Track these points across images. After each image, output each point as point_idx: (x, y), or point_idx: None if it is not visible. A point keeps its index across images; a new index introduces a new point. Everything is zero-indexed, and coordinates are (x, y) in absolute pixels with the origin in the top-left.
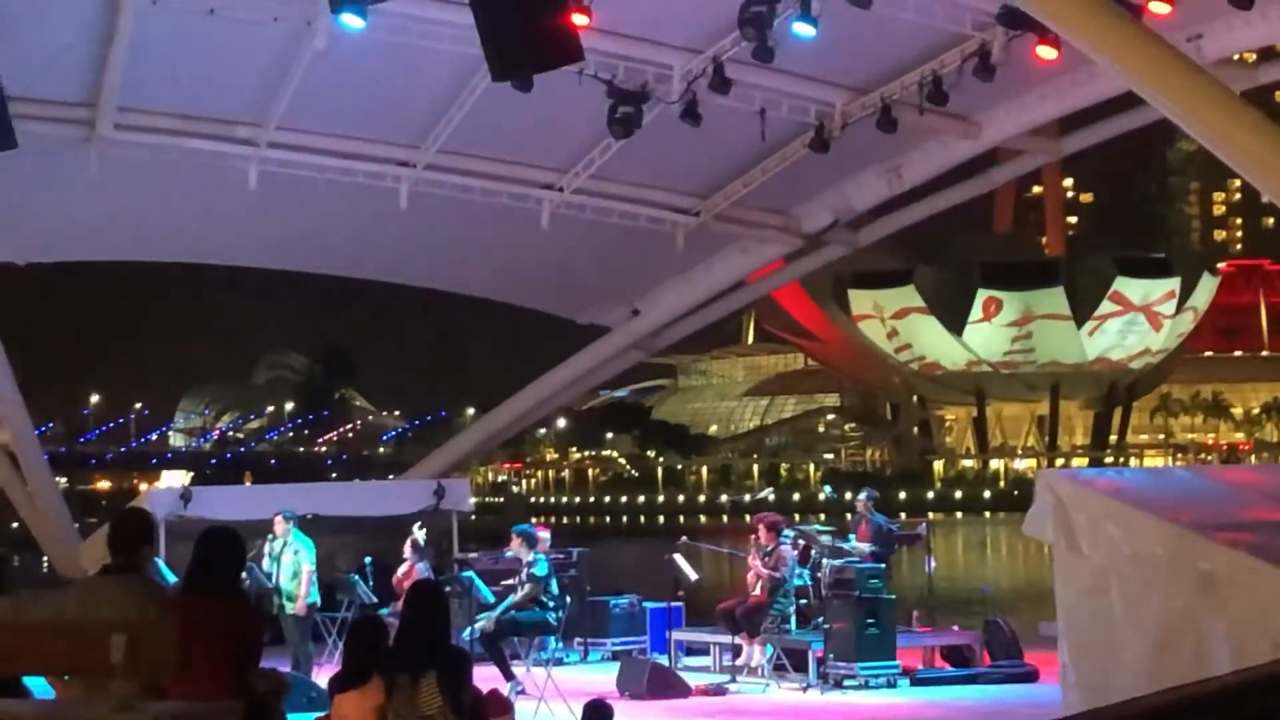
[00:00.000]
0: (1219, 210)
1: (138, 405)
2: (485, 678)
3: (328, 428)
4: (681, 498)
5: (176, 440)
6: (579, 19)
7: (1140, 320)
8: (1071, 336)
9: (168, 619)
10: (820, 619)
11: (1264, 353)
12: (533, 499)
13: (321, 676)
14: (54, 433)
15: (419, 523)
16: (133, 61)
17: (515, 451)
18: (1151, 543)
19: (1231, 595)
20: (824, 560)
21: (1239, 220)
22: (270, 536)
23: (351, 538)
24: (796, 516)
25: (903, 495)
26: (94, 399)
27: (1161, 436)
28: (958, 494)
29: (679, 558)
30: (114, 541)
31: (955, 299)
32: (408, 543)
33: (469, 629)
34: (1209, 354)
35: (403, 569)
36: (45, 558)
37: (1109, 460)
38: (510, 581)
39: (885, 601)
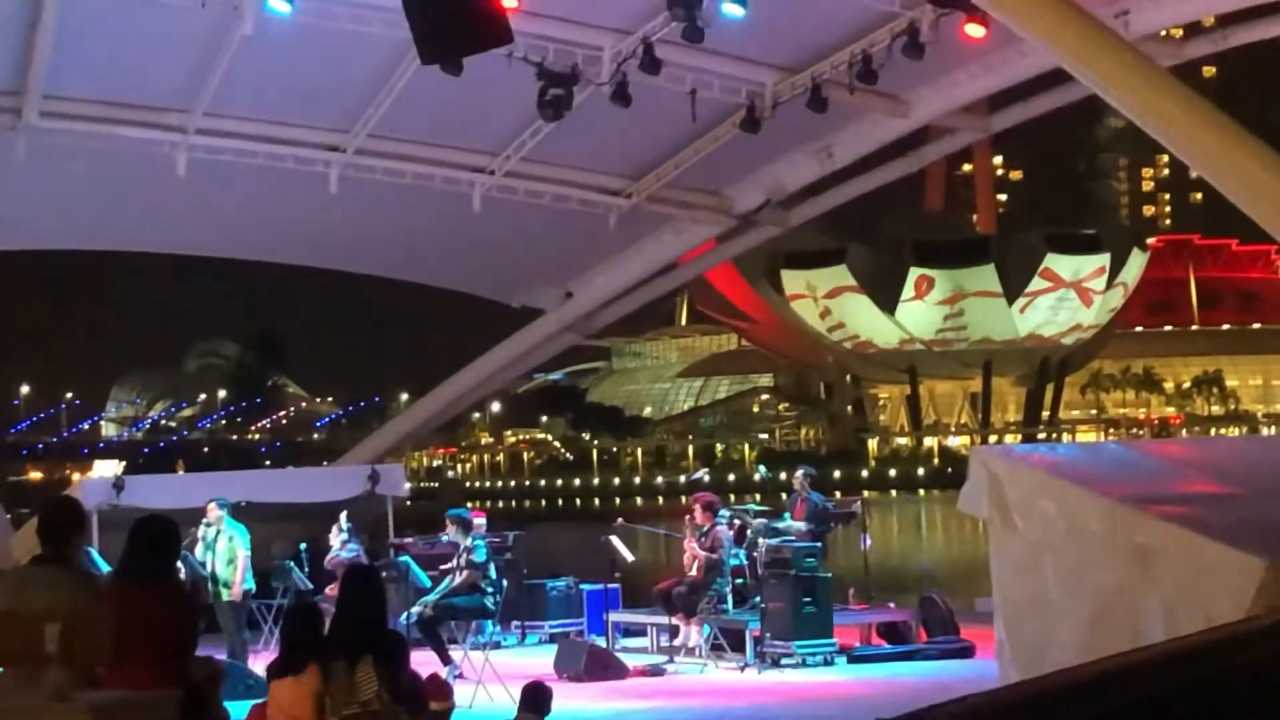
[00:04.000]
0: (1148, 186)
1: (69, 395)
2: (423, 662)
3: (260, 415)
4: (617, 480)
5: (108, 430)
6: (508, 1)
7: (1071, 296)
8: (1003, 314)
9: (102, 608)
10: (757, 598)
11: (1194, 327)
12: (468, 483)
13: (258, 664)
14: None
15: (344, 510)
16: (59, 49)
17: (450, 436)
18: (1086, 517)
19: (1166, 569)
20: (760, 540)
21: (1167, 196)
22: (205, 523)
23: (286, 525)
24: (732, 497)
25: (837, 474)
26: (24, 389)
27: (1094, 412)
28: (892, 472)
29: (615, 540)
30: (44, 531)
31: (887, 278)
32: (333, 530)
33: (406, 614)
34: (1140, 329)
35: (332, 555)
36: None
37: (1042, 436)
38: (447, 566)
39: (821, 580)
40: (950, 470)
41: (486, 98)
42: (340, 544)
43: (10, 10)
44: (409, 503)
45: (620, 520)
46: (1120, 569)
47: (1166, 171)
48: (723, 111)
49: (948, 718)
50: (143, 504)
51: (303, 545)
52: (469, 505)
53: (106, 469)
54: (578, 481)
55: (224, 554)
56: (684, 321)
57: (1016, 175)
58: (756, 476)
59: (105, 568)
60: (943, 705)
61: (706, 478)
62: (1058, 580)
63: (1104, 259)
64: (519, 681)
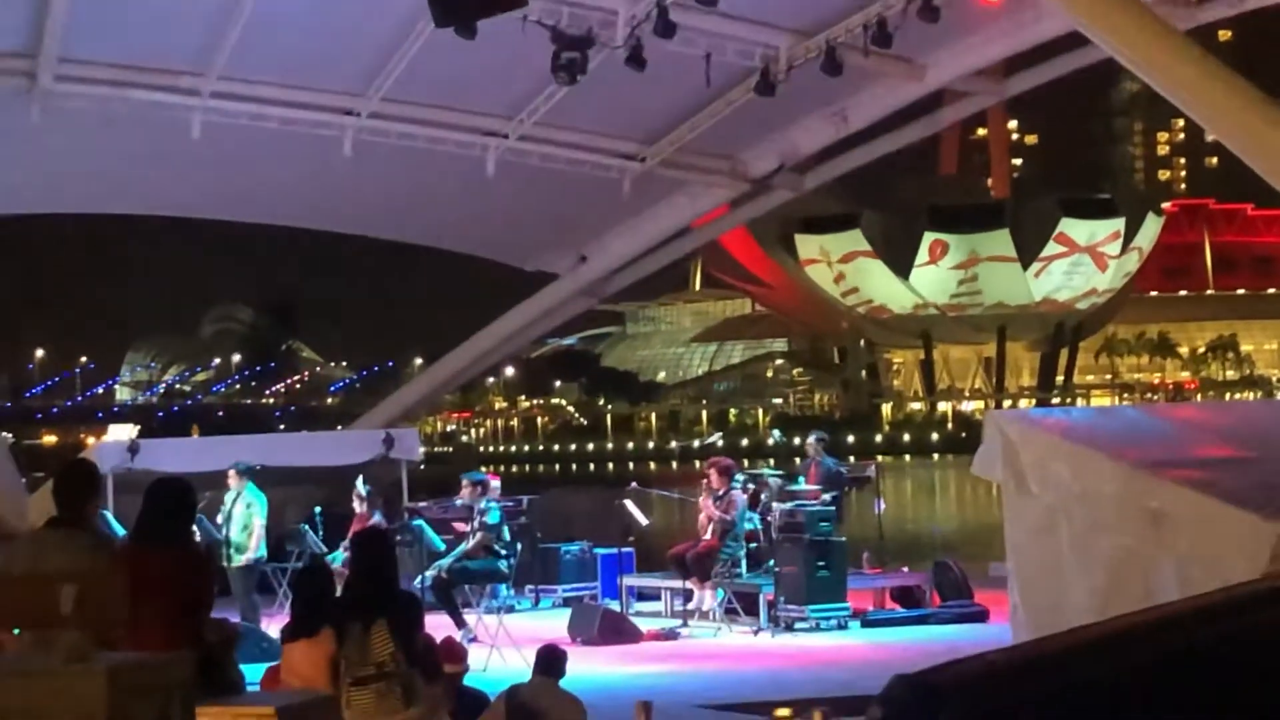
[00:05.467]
0: (1163, 150)
1: (83, 359)
2: (437, 625)
3: (275, 379)
4: (630, 445)
5: (123, 394)
6: None
7: (1086, 261)
8: (1017, 278)
9: (117, 571)
10: (771, 562)
11: (1209, 291)
12: (482, 448)
13: (272, 627)
14: None
15: (360, 475)
16: (73, 11)
17: (464, 400)
18: (1100, 481)
19: (1180, 533)
20: (774, 504)
21: (1183, 160)
22: (227, 490)
23: (301, 489)
24: (745, 461)
25: (851, 439)
26: (39, 354)
27: (1108, 377)
28: (906, 436)
29: (629, 504)
30: (59, 494)
31: (901, 242)
32: (354, 496)
33: (420, 577)
34: (1154, 294)
35: (356, 521)
36: None
37: (1056, 401)
38: (461, 529)
39: (835, 544)
40: (964, 435)
41: (500, 61)
42: (364, 508)
43: None
44: (423, 467)
45: (634, 484)
46: (1134, 533)
47: (1182, 136)
48: (737, 75)
49: (964, 675)
50: (157, 468)
51: (317, 509)
52: (483, 469)
53: (121, 433)
54: (591, 446)
55: (240, 519)
56: (698, 286)
57: (1031, 140)
58: (770, 441)
59: (120, 531)
60: (959, 661)
61: (720, 442)
62: (1072, 544)
63: (1119, 223)
64: (533, 645)
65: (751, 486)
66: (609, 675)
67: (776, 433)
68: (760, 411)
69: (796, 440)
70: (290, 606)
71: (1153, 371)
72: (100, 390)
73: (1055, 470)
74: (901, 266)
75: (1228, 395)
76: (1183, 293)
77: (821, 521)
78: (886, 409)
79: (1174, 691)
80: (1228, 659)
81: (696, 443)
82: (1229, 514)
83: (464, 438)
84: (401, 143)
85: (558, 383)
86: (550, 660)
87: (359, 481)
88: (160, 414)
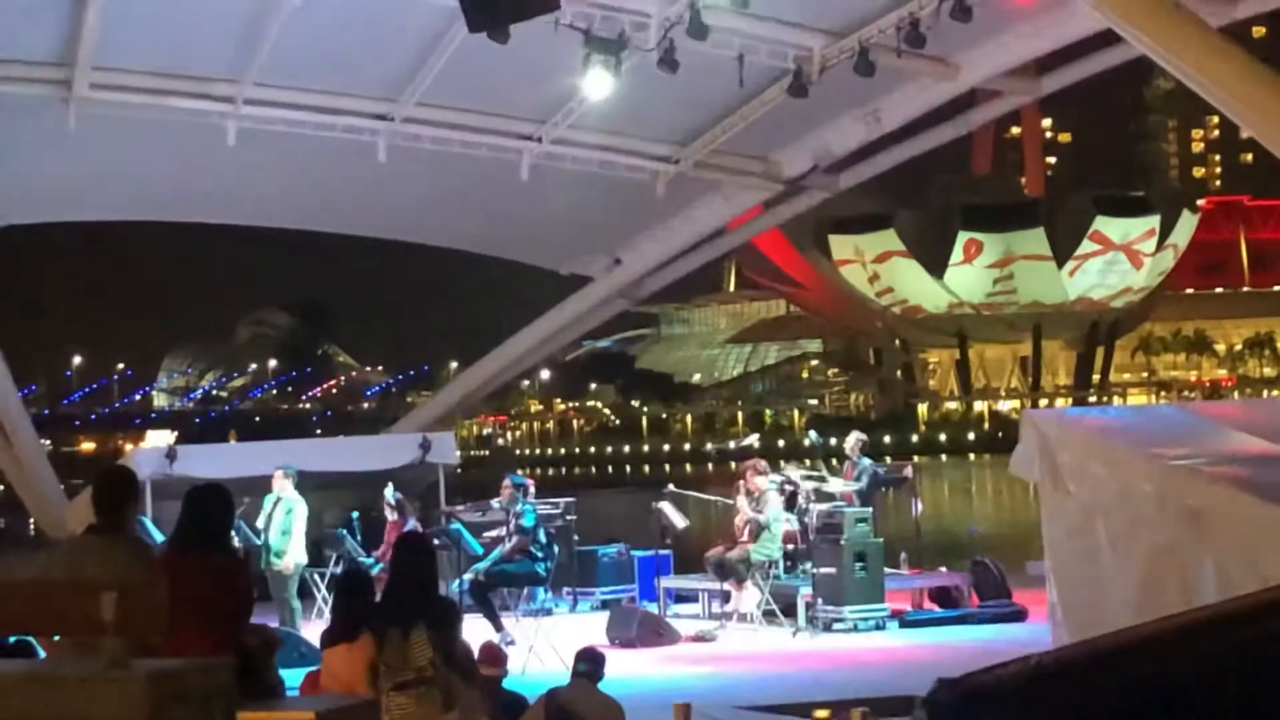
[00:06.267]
0: (1197, 147)
1: (120, 366)
2: (475, 629)
3: (311, 384)
4: (666, 446)
5: (160, 400)
6: None
7: (1121, 259)
8: (1053, 277)
9: (157, 577)
10: (808, 563)
11: (1245, 288)
12: (518, 451)
13: (311, 632)
14: (37, 395)
15: (389, 482)
16: (108, 20)
17: (500, 404)
18: (1138, 480)
19: (1218, 530)
20: (811, 505)
21: (1217, 157)
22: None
23: (338, 493)
24: (782, 463)
25: (887, 439)
26: (76, 360)
27: (1144, 375)
28: (942, 436)
29: (666, 506)
30: (98, 501)
31: (936, 242)
32: (384, 504)
33: (458, 581)
34: (1190, 291)
35: (391, 527)
36: (32, 520)
37: (1092, 399)
38: (497, 533)
39: (873, 545)
40: (1000, 434)
41: (534, 65)
42: (396, 514)
43: None
44: (459, 470)
45: (671, 486)
46: (1172, 531)
47: (1216, 133)
48: (770, 76)
49: (1007, 678)
50: (195, 474)
51: (355, 514)
52: (520, 472)
53: (159, 439)
54: (627, 448)
55: (280, 524)
56: (732, 287)
57: (1065, 138)
58: (806, 442)
59: (159, 537)
60: (1006, 664)
61: (756, 443)
62: (1110, 542)
63: (1154, 221)
64: (571, 648)
65: (789, 488)
66: (647, 677)
67: (812, 434)
68: (796, 412)
69: (833, 441)
70: (330, 611)
71: (1189, 369)
72: (138, 397)
73: (1092, 469)
74: (936, 266)
75: (1265, 392)
76: (1219, 290)
77: (859, 522)
78: (922, 409)
79: (1218, 693)
80: (1272, 659)
81: (732, 444)
82: (1267, 511)
83: (500, 441)
84: (436, 147)
85: (593, 385)
86: (589, 663)
87: (388, 488)
88: (197, 419)
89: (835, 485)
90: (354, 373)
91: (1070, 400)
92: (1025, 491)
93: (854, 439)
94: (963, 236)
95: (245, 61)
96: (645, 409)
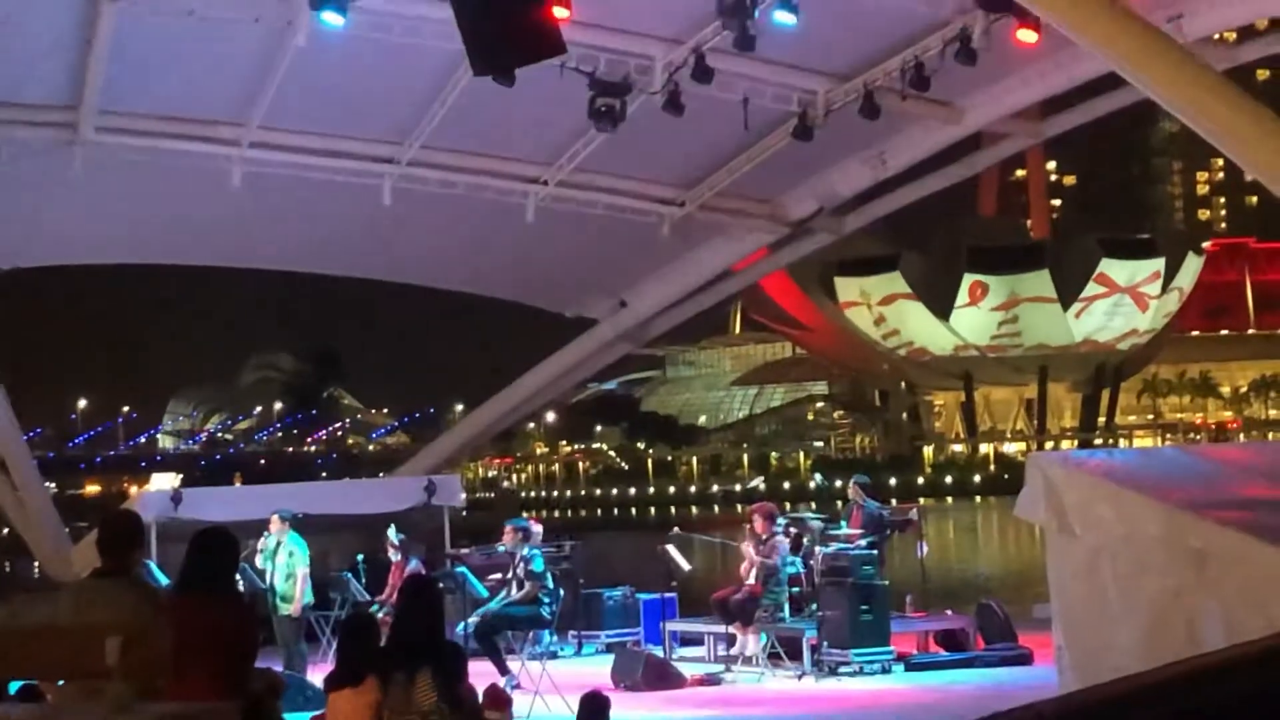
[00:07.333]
0: (1202, 190)
1: (125, 409)
2: (480, 672)
3: (316, 427)
4: (672, 489)
5: (165, 443)
6: (560, 12)
7: (1126, 301)
8: (1058, 319)
9: (162, 621)
10: (814, 606)
11: (1250, 331)
12: (524, 493)
13: (316, 675)
14: (43, 438)
15: (391, 524)
16: (114, 64)
17: (505, 446)
18: (1144, 522)
19: (1225, 574)
20: (817, 548)
21: (1222, 199)
22: (266, 534)
23: (344, 536)
24: (787, 505)
25: (893, 481)
26: (81, 403)
27: (1150, 417)
28: (948, 479)
29: (671, 548)
30: (104, 544)
31: (941, 284)
32: (387, 545)
33: (463, 624)
34: (1195, 333)
35: (394, 569)
36: (37, 563)
37: (1098, 442)
38: (501, 576)
39: (879, 588)
40: (1006, 477)
41: (539, 108)
42: (399, 556)
43: (66, 27)
44: (464, 513)
45: (676, 529)
46: (1179, 574)
47: (1221, 175)
48: (775, 119)
49: None
50: (201, 516)
51: (360, 556)
52: (525, 515)
53: (164, 482)
54: (633, 490)
55: (283, 567)
56: (738, 330)
57: (1070, 180)
58: (812, 484)
59: (164, 580)
60: (1008, 712)
61: (762, 486)
62: (1116, 586)
63: (1159, 263)
64: (576, 691)
65: (794, 531)
66: None
67: (818, 476)
68: (802, 455)
69: (838, 483)
70: (335, 654)
71: (1195, 411)
72: (143, 439)
73: (1098, 512)
74: (942, 308)
75: (1271, 434)
76: (1224, 332)
77: (865, 565)
78: (928, 451)
79: None
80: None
81: (738, 486)
82: (1274, 555)
83: (505, 483)
84: (441, 190)
85: (599, 427)
86: (594, 706)
87: (390, 530)
88: (203, 462)
89: (845, 531)
90: (359, 415)
91: (1076, 443)
92: (1031, 534)
93: (856, 483)
94: (968, 278)
95: (250, 105)
96: (651, 451)
